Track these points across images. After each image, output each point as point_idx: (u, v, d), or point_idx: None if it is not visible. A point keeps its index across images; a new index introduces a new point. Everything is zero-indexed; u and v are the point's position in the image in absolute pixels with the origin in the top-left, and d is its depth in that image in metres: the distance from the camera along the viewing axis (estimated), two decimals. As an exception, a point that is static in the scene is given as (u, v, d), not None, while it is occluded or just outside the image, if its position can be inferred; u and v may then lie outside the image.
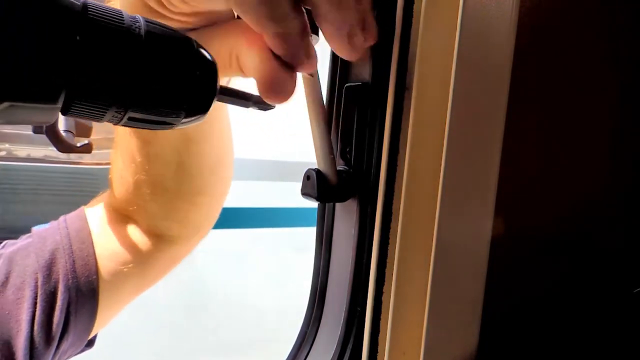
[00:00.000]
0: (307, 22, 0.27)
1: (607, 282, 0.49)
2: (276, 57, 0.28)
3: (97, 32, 0.21)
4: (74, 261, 0.45)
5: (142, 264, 0.48)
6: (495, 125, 0.38)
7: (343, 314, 0.41)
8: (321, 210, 0.45)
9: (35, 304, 0.43)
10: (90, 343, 0.50)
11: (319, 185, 0.38)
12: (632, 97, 0.47)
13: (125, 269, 0.47)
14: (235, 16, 0.30)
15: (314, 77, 0.35)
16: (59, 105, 0.21)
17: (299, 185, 0.39)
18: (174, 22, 0.30)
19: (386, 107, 0.37)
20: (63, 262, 0.45)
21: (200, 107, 0.26)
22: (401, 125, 0.36)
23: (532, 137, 0.43)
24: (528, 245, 0.44)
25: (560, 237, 0.46)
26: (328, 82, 0.43)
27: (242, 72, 0.31)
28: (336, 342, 0.41)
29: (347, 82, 0.41)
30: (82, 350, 0.49)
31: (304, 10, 0.27)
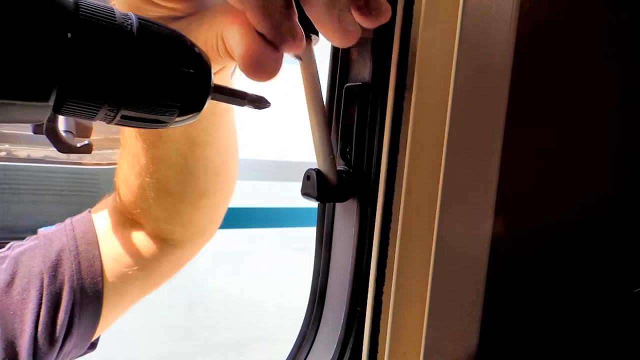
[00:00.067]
0: (293, 1, 0.26)
1: (607, 282, 0.49)
2: (260, 35, 0.26)
3: (88, 30, 0.21)
4: (79, 263, 0.45)
5: (147, 267, 0.48)
6: (495, 125, 0.37)
7: (343, 314, 0.41)
8: (321, 210, 0.45)
9: (40, 304, 0.43)
10: (93, 345, 0.50)
11: (319, 185, 0.38)
12: (632, 97, 0.47)
13: (130, 272, 0.47)
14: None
15: (302, 60, 0.34)
16: (51, 103, 0.21)
17: (299, 185, 0.39)
18: (163, 9, 0.29)
19: (386, 107, 0.37)
20: (69, 263, 0.45)
21: (194, 106, 0.25)
22: (401, 125, 0.36)
23: (532, 138, 0.43)
24: (528, 246, 0.44)
25: (560, 237, 0.46)
26: (328, 82, 0.43)
27: (229, 56, 0.30)
28: (336, 342, 0.41)
29: (347, 82, 0.41)
30: (85, 353, 0.49)
31: None
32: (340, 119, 0.41)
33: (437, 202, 0.36)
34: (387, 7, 0.27)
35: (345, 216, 0.42)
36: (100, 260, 0.46)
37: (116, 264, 0.47)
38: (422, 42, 0.35)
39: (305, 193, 0.39)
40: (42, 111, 0.21)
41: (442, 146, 0.36)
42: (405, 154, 0.36)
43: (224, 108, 0.43)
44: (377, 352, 0.38)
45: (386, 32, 0.37)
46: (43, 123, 0.67)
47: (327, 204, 0.44)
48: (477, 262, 0.39)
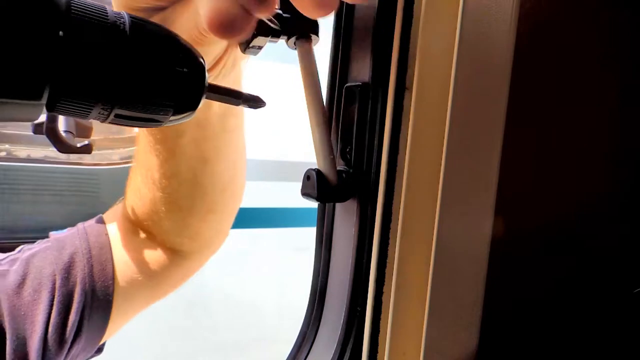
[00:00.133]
0: None
1: (607, 282, 0.49)
2: None
3: (80, 28, 0.21)
4: (92, 266, 0.45)
5: (156, 276, 0.49)
6: (495, 125, 0.37)
7: (343, 314, 0.41)
8: (321, 211, 0.45)
9: (51, 305, 0.43)
10: (99, 350, 0.50)
11: (319, 185, 0.37)
12: (632, 97, 0.47)
13: (140, 278, 0.48)
14: None
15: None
16: (43, 102, 0.21)
17: (299, 185, 0.39)
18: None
19: (386, 107, 0.37)
20: (81, 265, 0.45)
21: (188, 105, 0.25)
22: (401, 125, 0.36)
23: (532, 138, 0.43)
24: (528, 246, 0.44)
25: (560, 237, 0.46)
26: (328, 82, 0.43)
27: (207, 33, 0.29)
28: (336, 342, 0.41)
29: (347, 82, 0.41)
30: (92, 357, 0.49)
31: None
32: (340, 119, 0.41)
33: (437, 202, 0.36)
34: None
35: (345, 216, 0.42)
36: (112, 264, 0.46)
37: (127, 269, 0.47)
38: (422, 42, 0.35)
39: (305, 193, 0.39)
40: (36, 110, 0.21)
41: (442, 146, 0.36)
42: (405, 154, 0.36)
43: (235, 125, 0.44)
44: (377, 352, 0.38)
45: (386, 32, 0.37)
46: (43, 123, 0.67)
47: (327, 204, 0.44)
48: (477, 262, 0.39)
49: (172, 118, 0.25)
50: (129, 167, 0.49)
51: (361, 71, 0.39)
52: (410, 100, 0.35)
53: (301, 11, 0.26)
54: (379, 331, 0.38)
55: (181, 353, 2.52)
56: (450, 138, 0.36)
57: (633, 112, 0.48)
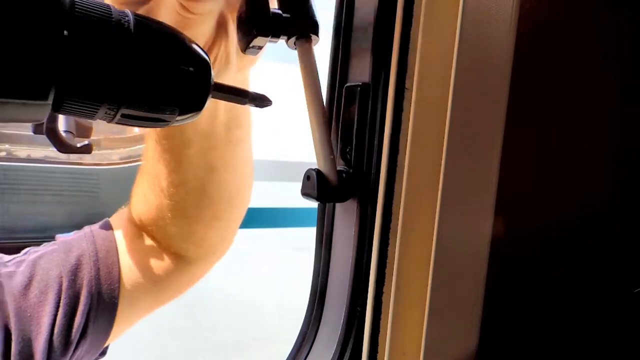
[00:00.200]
0: None
1: (607, 282, 0.49)
2: None
3: (84, 27, 0.20)
4: (98, 269, 0.45)
5: (161, 281, 0.49)
6: (495, 125, 0.37)
7: (343, 314, 0.41)
8: (321, 211, 0.45)
9: (57, 307, 0.43)
10: (103, 353, 0.50)
11: (319, 185, 0.37)
12: (632, 97, 0.47)
13: (145, 282, 0.48)
14: None
15: (301, 58, 0.34)
16: (50, 102, 0.20)
17: (299, 185, 0.39)
18: None
19: (386, 107, 0.37)
20: (88, 268, 0.45)
21: (194, 104, 0.25)
22: (401, 126, 0.36)
23: (532, 138, 0.43)
24: (528, 246, 0.44)
25: (560, 237, 0.46)
26: (328, 82, 0.43)
27: (186, 10, 0.30)
28: (336, 342, 0.41)
29: (347, 82, 0.41)
30: (96, 359, 0.49)
31: None
32: (340, 119, 0.41)
33: (437, 202, 0.36)
34: None
35: (345, 216, 0.42)
36: (119, 267, 0.46)
37: (133, 272, 0.47)
38: (422, 42, 0.35)
39: (305, 193, 0.39)
40: (42, 110, 0.21)
41: (442, 146, 0.36)
42: (405, 154, 0.36)
43: (241, 136, 0.44)
44: (377, 352, 0.38)
45: (386, 32, 0.37)
46: (43, 123, 0.67)
47: (327, 204, 0.44)
48: (477, 262, 0.39)
49: (178, 118, 0.25)
50: (129, 167, 0.49)
51: (361, 71, 0.39)
52: (410, 100, 0.35)
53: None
54: (379, 331, 0.38)
55: (181, 353, 2.52)
56: (450, 138, 0.36)
57: (633, 112, 0.48)
